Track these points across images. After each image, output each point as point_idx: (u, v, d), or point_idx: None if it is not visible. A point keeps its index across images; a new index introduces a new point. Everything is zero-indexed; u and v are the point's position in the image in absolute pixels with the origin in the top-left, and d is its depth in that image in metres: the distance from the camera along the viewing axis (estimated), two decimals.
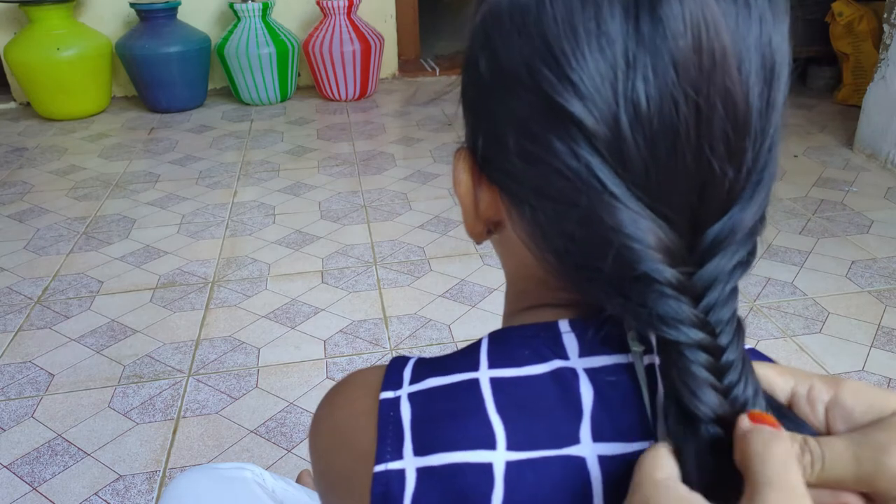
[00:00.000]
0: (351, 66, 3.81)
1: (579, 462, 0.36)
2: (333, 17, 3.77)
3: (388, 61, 4.32)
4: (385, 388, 0.41)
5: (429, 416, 0.39)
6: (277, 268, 2.17)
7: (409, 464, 0.38)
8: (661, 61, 0.32)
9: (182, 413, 1.56)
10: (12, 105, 4.01)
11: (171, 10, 3.67)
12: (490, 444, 0.36)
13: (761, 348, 1.71)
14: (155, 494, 1.35)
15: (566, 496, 0.35)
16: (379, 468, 0.38)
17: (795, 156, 2.93)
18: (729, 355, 0.33)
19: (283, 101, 3.95)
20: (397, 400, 0.40)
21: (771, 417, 0.32)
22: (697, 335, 0.33)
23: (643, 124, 0.32)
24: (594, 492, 0.35)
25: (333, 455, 0.42)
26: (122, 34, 3.78)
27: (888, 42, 2.79)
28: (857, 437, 0.32)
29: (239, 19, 3.72)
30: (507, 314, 0.47)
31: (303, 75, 4.17)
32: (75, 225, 2.50)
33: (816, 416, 0.34)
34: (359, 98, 3.98)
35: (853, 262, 2.10)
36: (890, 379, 1.60)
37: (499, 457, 0.36)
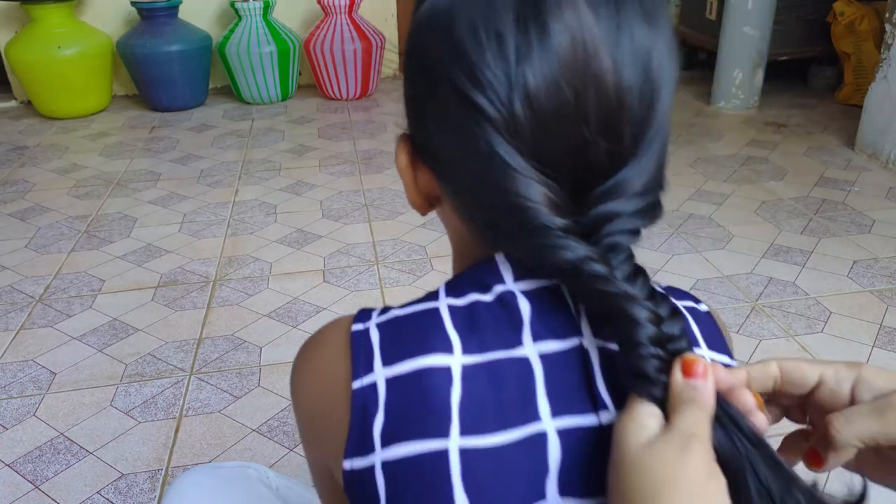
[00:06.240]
0: (352, 65, 3.81)
1: (524, 360, 0.43)
2: (334, 16, 3.76)
3: (390, 60, 4.32)
4: (355, 322, 0.48)
5: (395, 335, 0.46)
6: (279, 267, 2.17)
7: (380, 375, 0.44)
8: (545, 56, 0.40)
9: (184, 412, 1.56)
10: (13, 103, 4.00)
11: (173, 9, 3.67)
12: (448, 349, 0.44)
13: (763, 348, 1.71)
14: (157, 493, 1.35)
15: (514, 388, 0.43)
16: (356, 385, 0.45)
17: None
18: (616, 258, 0.42)
19: (284, 99, 3.95)
20: (367, 330, 0.47)
21: (700, 361, 0.40)
22: (582, 250, 0.41)
23: (532, 104, 0.41)
24: (536, 381, 0.43)
25: (313, 389, 0.48)
26: (123, 33, 3.78)
27: (890, 42, 2.79)
28: (881, 401, 0.41)
29: (240, 18, 3.72)
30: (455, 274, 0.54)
31: (304, 74, 4.17)
32: (77, 223, 2.50)
33: (843, 393, 0.43)
34: (360, 97, 3.98)
35: (855, 261, 2.10)
36: None
37: (456, 360, 0.43)
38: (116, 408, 1.58)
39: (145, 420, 1.54)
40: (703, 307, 0.53)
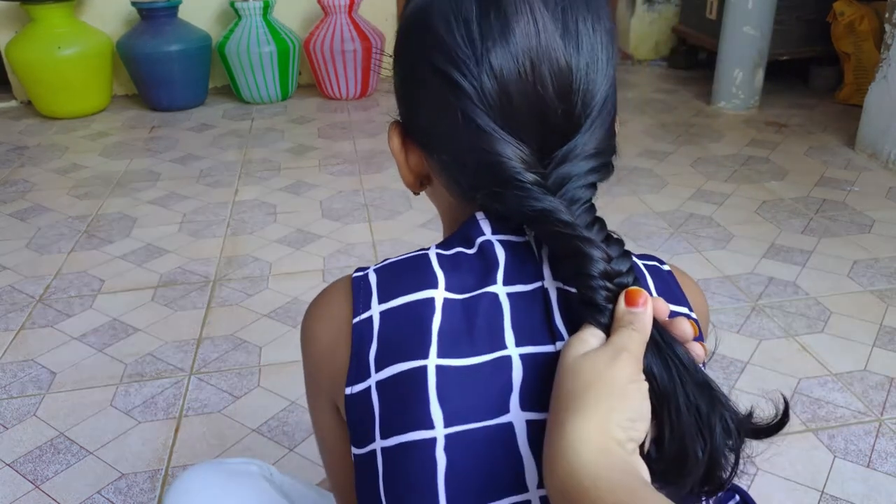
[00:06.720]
0: (352, 65, 3.80)
1: (494, 295, 0.51)
2: (334, 15, 3.76)
3: (388, 60, 4.31)
4: (356, 272, 0.55)
5: (390, 277, 0.53)
6: (279, 266, 2.16)
7: (375, 311, 0.52)
8: (505, 36, 0.48)
9: (184, 412, 1.56)
10: (13, 103, 4.00)
11: (172, 9, 3.66)
12: (434, 285, 0.51)
13: (763, 347, 1.71)
14: (157, 493, 1.35)
15: (485, 322, 0.50)
16: (356, 320, 0.52)
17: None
18: (577, 209, 0.49)
19: (283, 99, 3.95)
20: (366, 275, 0.54)
21: (642, 292, 0.46)
22: (549, 201, 0.48)
23: (497, 76, 0.48)
24: (504, 316, 0.50)
25: (322, 330, 0.55)
26: (123, 33, 3.78)
27: (889, 42, 2.79)
28: None
29: (240, 18, 3.72)
30: None
31: (304, 74, 4.16)
32: (76, 223, 2.50)
33: None
34: (360, 97, 3.98)
35: (855, 261, 2.10)
36: (892, 378, 1.60)
37: (439, 294, 0.51)
38: (116, 408, 1.58)
39: (145, 420, 1.54)
40: (665, 267, 0.59)
